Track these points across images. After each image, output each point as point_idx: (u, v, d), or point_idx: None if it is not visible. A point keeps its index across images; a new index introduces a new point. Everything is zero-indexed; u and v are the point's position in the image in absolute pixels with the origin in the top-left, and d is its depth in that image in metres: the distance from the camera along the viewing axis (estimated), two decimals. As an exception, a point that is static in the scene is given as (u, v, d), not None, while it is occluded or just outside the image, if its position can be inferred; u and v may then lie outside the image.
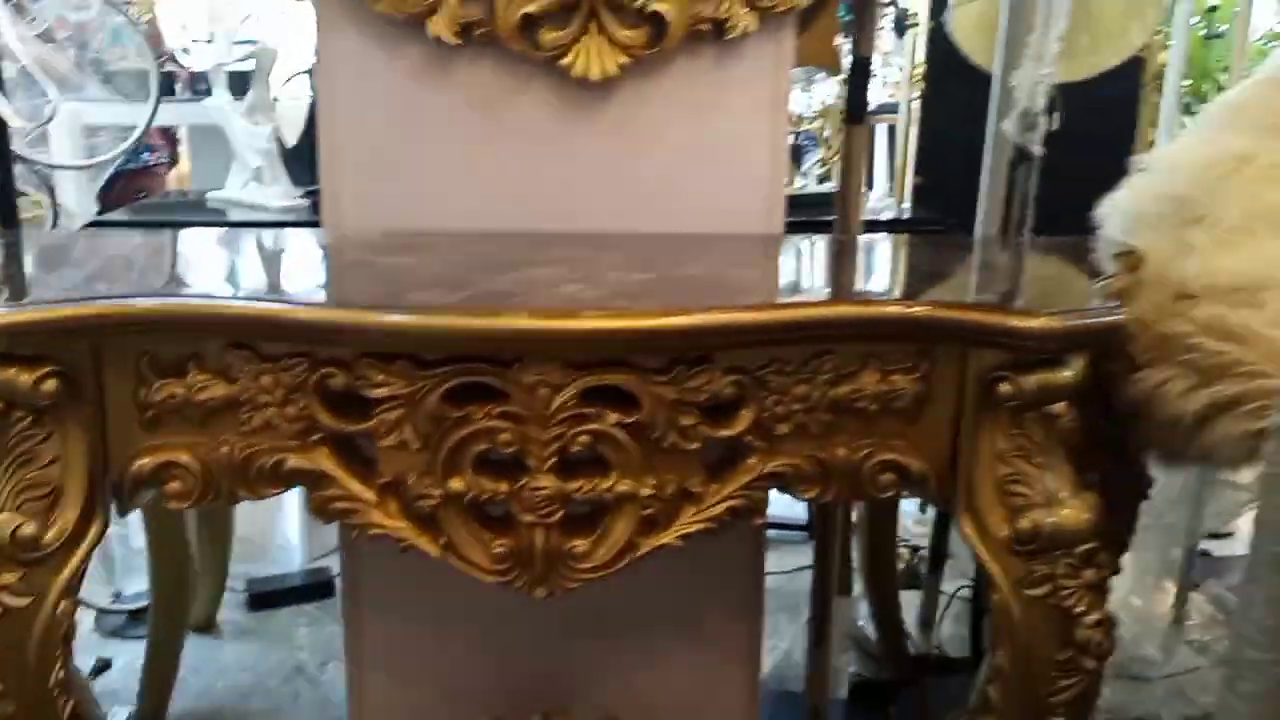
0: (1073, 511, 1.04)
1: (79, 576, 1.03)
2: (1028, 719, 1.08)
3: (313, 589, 2.25)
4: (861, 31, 1.49)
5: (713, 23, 1.30)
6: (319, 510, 1.06)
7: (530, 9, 1.26)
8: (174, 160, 3.55)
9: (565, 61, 1.29)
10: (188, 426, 1.04)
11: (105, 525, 1.04)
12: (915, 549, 2.27)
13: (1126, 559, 1.27)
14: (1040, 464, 1.05)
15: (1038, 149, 1.46)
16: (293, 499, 2.28)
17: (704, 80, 1.34)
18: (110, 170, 2.46)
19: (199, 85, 2.69)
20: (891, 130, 2.93)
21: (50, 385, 0.98)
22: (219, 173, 2.59)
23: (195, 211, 2.02)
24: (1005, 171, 1.53)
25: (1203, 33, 3.22)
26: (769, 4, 1.30)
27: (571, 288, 1.08)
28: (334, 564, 2.22)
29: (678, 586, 1.44)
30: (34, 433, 1.00)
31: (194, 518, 1.83)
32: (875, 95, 2.99)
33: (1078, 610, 1.05)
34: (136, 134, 2.17)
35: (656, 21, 1.28)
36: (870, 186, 2.75)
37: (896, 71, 2.84)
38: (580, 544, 1.05)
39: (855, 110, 1.49)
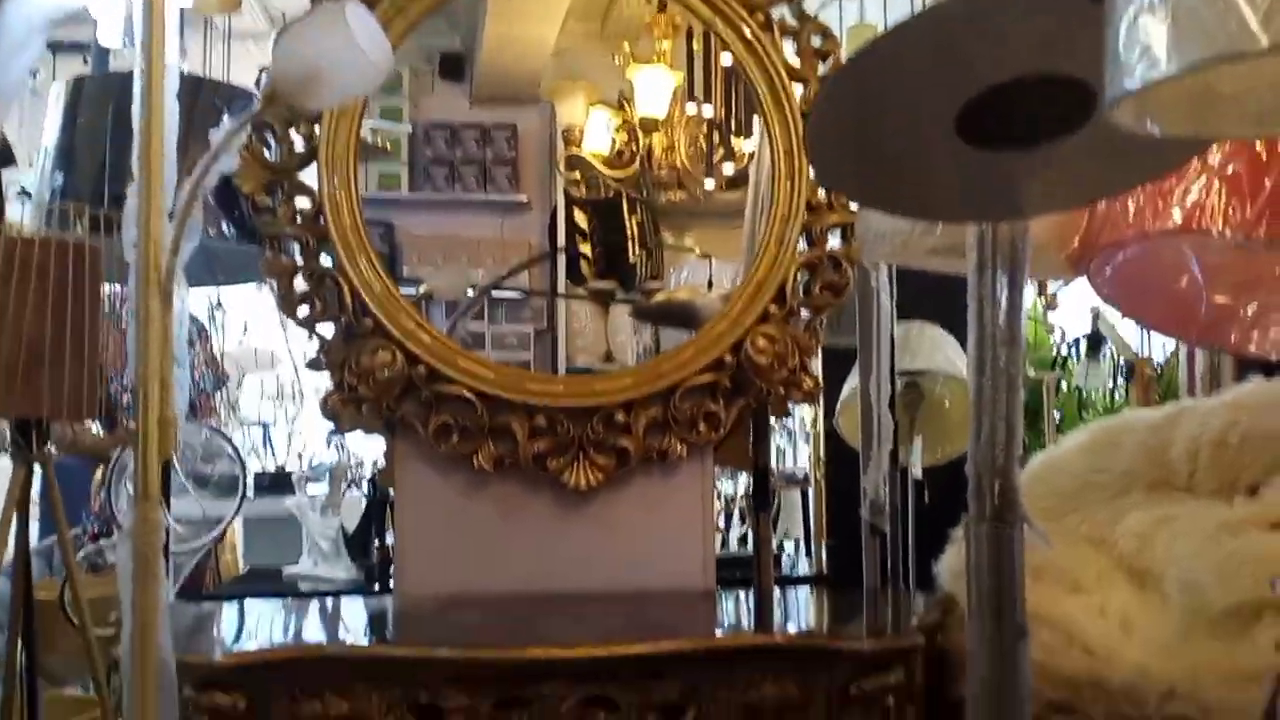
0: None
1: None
2: None
3: None
4: (759, 445, 2.17)
5: (658, 452, 2.00)
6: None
7: (540, 447, 1.95)
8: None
9: (564, 478, 1.97)
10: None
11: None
12: None
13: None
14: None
15: (886, 526, 2.12)
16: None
17: (654, 487, 2.03)
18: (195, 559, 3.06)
19: (261, 479, 3.38)
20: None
21: (241, 704, 1.54)
22: (268, 546, 3.25)
23: (276, 583, 2.61)
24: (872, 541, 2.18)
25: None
26: (695, 439, 2.00)
27: (573, 632, 1.69)
28: None
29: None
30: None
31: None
32: (802, 462, 3.71)
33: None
34: (222, 527, 2.80)
35: (622, 452, 1.98)
36: (803, 542, 3.36)
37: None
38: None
39: (760, 501, 2.16)
